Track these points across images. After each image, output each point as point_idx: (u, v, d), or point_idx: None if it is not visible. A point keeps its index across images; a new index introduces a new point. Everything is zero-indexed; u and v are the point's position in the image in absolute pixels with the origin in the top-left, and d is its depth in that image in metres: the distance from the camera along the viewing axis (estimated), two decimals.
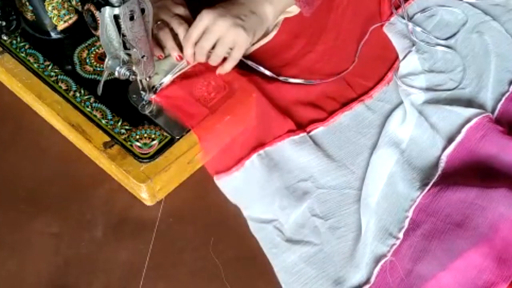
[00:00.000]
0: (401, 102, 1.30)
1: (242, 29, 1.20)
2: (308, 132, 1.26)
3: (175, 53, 1.24)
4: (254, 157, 1.22)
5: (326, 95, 1.31)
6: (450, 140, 1.22)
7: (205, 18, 1.20)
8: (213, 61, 1.23)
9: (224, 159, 1.23)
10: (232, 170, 1.21)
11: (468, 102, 1.29)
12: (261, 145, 1.24)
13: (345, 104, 1.31)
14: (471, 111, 1.24)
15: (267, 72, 1.29)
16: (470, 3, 1.44)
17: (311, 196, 1.19)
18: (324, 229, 1.16)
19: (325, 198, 1.19)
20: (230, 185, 1.20)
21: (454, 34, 1.39)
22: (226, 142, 1.24)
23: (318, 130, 1.27)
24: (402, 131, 1.25)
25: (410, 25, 1.39)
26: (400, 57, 1.36)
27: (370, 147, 1.25)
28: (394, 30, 1.39)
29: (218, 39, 1.20)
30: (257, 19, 1.24)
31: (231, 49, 1.22)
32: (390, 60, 1.37)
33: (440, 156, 1.21)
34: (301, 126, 1.27)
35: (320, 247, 1.14)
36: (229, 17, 1.20)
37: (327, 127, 1.28)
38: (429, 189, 1.16)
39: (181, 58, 1.24)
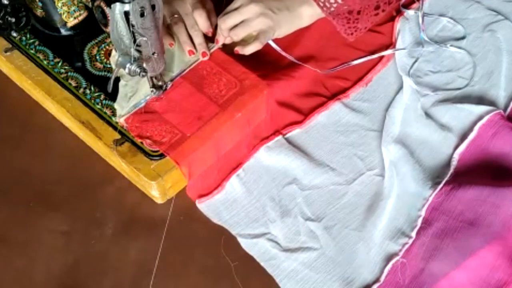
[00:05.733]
0: (382, 100, 1.30)
1: (269, 20, 1.24)
2: (284, 135, 1.25)
3: (188, 47, 1.24)
4: (233, 178, 1.21)
5: (303, 94, 1.29)
6: (462, 138, 1.21)
7: (240, 0, 1.24)
8: (228, 38, 1.25)
9: (205, 183, 1.20)
10: (214, 193, 1.19)
11: (479, 100, 1.29)
12: (239, 164, 1.22)
13: (321, 104, 1.29)
14: (482, 108, 1.24)
15: (285, 55, 1.32)
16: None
17: (298, 200, 1.18)
18: (320, 231, 1.15)
19: (312, 199, 1.18)
20: (212, 208, 1.18)
21: (463, 37, 1.38)
22: (238, 140, 1.23)
23: (294, 132, 1.26)
24: (404, 130, 1.24)
25: (422, 22, 1.37)
26: (400, 55, 1.34)
27: (349, 145, 1.24)
28: (407, 26, 1.38)
29: (244, 20, 1.23)
30: (290, 16, 1.27)
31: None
32: (371, 63, 1.35)
33: (452, 154, 1.21)
34: (277, 130, 1.26)
35: (321, 251, 1.13)
36: (262, 5, 1.24)
37: (304, 128, 1.26)
38: (442, 188, 1.16)
39: (193, 53, 1.24)
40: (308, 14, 1.29)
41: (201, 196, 1.19)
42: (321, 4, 1.26)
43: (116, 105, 1.21)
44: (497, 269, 1.06)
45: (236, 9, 1.24)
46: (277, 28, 1.26)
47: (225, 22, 1.24)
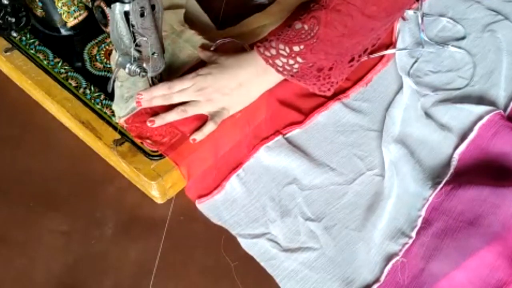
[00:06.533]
0: (383, 100, 1.29)
1: (219, 103, 1.19)
2: (284, 135, 1.24)
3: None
4: (233, 178, 1.20)
5: (302, 95, 1.28)
6: (462, 138, 1.21)
7: (189, 83, 1.19)
8: (174, 116, 1.19)
9: (204, 183, 1.20)
10: (213, 193, 1.19)
11: (479, 99, 1.28)
12: (239, 164, 1.21)
13: (321, 104, 1.28)
14: (482, 108, 1.23)
15: None
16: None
17: (298, 200, 1.17)
18: (320, 231, 1.14)
19: (312, 199, 1.18)
20: (212, 208, 1.18)
21: (463, 37, 1.38)
22: (237, 140, 1.23)
23: (294, 132, 1.25)
24: (404, 130, 1.24)
25: (422, 22, 1.37)
26: (400, 55, 1.34)
27: (349, 145, 1.24)
28: (407, 26, 1.38)
29: (194, 101, 1.19)
30: (244, 92, 1.21)
31: None
32: (371, 63, 1.34)
33: (452, 154, 1.20)
34: (277, 130, 1.25)
35: (321, 251, 1.12)
36: (210, 90, 1.19)
37: (304, 128, 1.26)
38: (442, 188, 1.15)
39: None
40: (266, 83, 1.23)
41: (200, 196, 1.19)
42: (280, 69, 1.19)
43: (114, 107, 1.21)
44: (497, 269, 1.06)
45: (183, 89, 1.20)
46: (231, 108, 1.21)
47: (170, 99, 1.19)
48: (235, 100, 1.21)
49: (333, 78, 1.22)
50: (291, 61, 1.19)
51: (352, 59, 1.24)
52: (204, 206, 1.18)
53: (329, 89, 1.23)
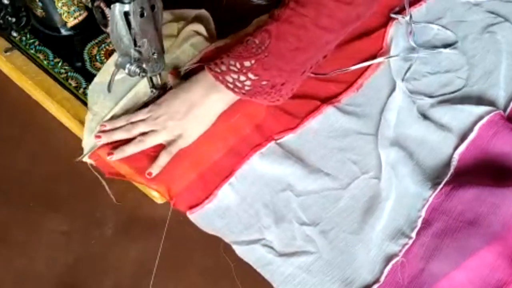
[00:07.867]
0: (376, 104, 1.29)
1: (173, 130, 1.17)
2: (276, 140, 1.23)
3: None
4: (225, 186, 1.17)
5: (296, 99, 1.26)
6: (462, 138, 1.21)
7: (146, 114, 1.19)
8: (133, 148, 1.17)
9: (195, 193, 1.17)
10: (205, 203, 1.16)
11: (478, 100, 1.29)
12: (231, 172, 1.19)
13: (314, 109, 1.27)
14: (482, 108, 1.24)
15: None
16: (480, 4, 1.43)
17: (292, 206, 1.16)
18: (316, 235, 1.13)
19: (307, 204, 1.17)
20: (204, 217, 1.15)
21: (455, 43, 1.38)
22: (236, 141, 1.22)
23: (287, 137, 1.23)
24: (401, 132, 1.24)
25: (410, 31, 1.37)
26: (393, 60, 1.34)
27: (342, 149, 1.23)
28: (399, 31, 1.37)
29: (152, 130, 1.18)
30: (198, 115, 1.18)
31: None
32: (362, 68, 1.33)
33: (452, 154, 1.21)
34: (269, 135, 1.24)
35: (318, 254, 1.12)
36: (165, 118, 1.17)
37: (297, 133, 1.24)
38: (442, 188, 1.16)
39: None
40: (219, 103, 1.19)
41: (191, 207, 1.16)
42: (230, 86, 1.15)
43: (83, 142, 1.20)
44: (497, 269, 1.06)
45: (138, 121, 1.19)
46: (188, 135, 1.18)
47: (130, 132, 1.18)
48: (190, 126, 1.18)
49: (284, 91, 1.19)
50: (242, 77, 1.15)
51: (304, 72, 1.21)
52: (196, 216, 1.15)
53: (278, 100, 1.20)
